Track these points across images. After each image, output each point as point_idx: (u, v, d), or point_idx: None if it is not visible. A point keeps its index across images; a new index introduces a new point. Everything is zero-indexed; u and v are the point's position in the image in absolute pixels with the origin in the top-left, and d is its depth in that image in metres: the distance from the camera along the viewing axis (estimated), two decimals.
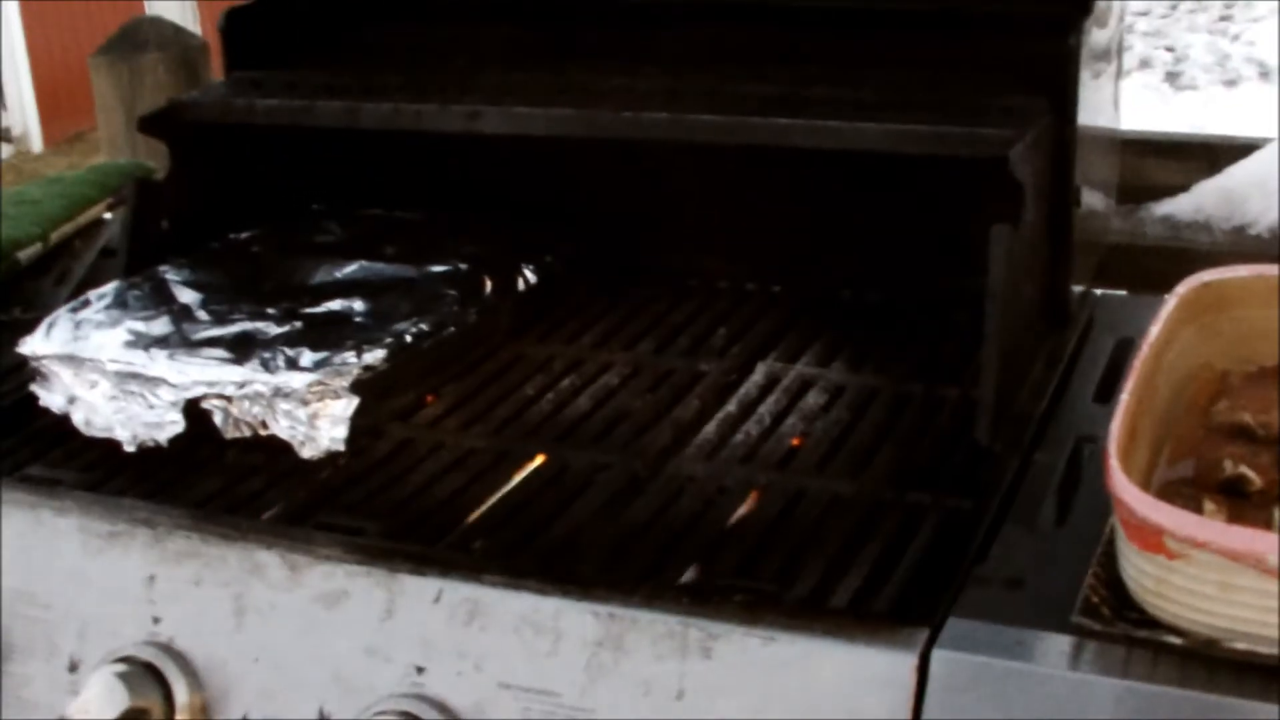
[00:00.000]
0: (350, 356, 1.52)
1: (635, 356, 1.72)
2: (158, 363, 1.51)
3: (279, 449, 1.48)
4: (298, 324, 1.62)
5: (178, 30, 3.51)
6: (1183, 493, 1.14)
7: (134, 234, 1.74)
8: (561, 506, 1.40)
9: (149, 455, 1.49)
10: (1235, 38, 10.14)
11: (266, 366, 1.51)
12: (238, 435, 1.49)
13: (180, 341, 1.57)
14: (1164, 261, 2.06)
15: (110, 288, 1.69)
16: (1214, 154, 2.17)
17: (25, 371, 1.61)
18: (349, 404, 1.48)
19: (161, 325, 1.61)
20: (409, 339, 1.59)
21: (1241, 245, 2.03)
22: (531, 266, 1.80)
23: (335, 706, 1.24)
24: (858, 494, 1.39)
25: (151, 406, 1.49)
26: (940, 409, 1.55)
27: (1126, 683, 1.05)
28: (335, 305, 1.67)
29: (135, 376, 1.51)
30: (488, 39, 1.90)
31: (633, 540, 1.34)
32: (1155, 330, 1.24)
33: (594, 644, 1.18)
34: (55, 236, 2.01)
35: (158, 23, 3.46)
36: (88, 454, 1.52)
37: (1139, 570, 1.05)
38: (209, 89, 1.95)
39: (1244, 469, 1.15)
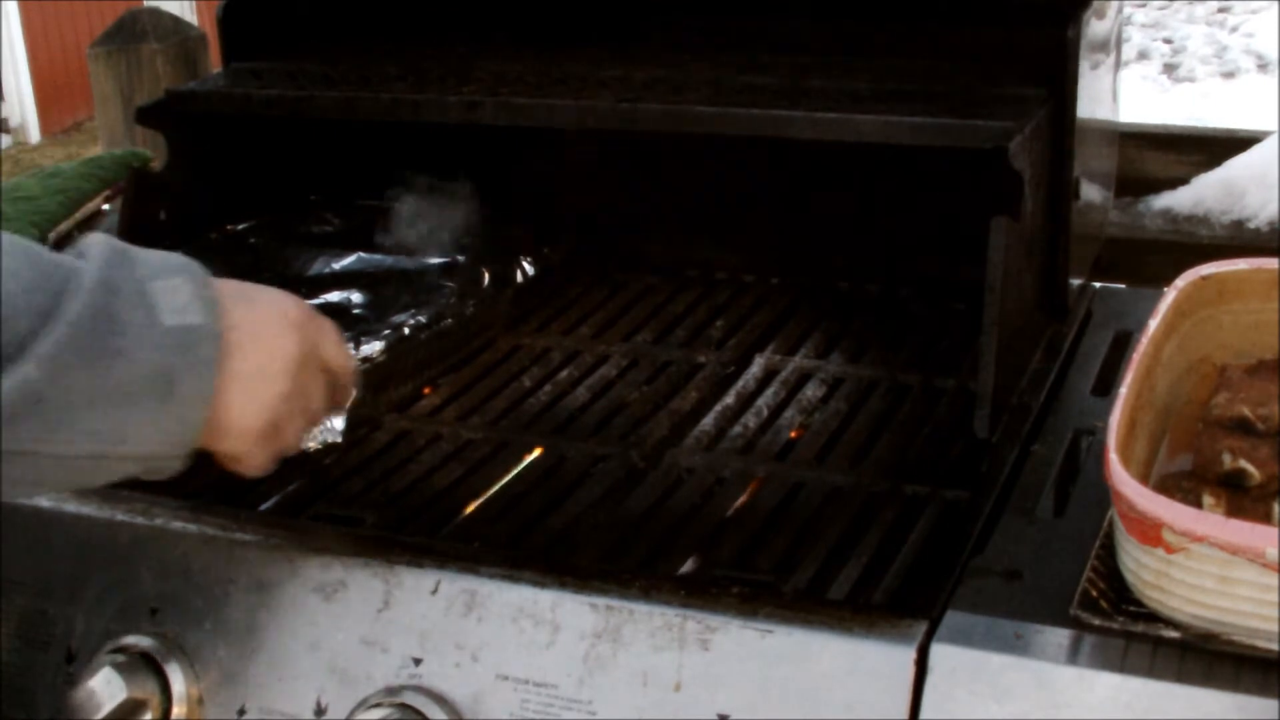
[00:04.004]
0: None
1: (633, 348, 1.72)
2: None
3: None
4: None
5: (176, 21, 3.50)
6: (1182, 486, 1.14)
7: (131, 225, 1.74)
8: (559, 498, 1.40)
9: None
10: (1233, 29, 10.14)
11: None
12: None
13: None
14: (1163, 254, 2.06)
15: None
16: (1213, 147, 2.16)
17: None
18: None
19: None
20: (407, 330, 1.59)
21: (1240, 238, 2.03)
22: (529, 258, 1.80)
23: (332, 697, 1.24)
24: (856, 485, 1.39)
25: None
26: (938, 400, 1.55)
27: (1124, 676, 1.05)
28: (333, 296, 1.67)
29: None
30: (486, 29, 1.90)
31: (630, 532, 1.34)
32: (1154, 323, 1.24)
33: (592, 635, 1.17)
34: (52, 236, 2.00)
35: (156, 13, 3.45)
36: None
37: (1138, 563, 1.05)
38: (207, 80, 1.94)
39: (1243, 462, 1.15)
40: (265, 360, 1.15)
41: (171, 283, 1.09)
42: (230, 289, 1.14)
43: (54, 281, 1.03)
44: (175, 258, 1.12)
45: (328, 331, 1.24)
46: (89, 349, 1.02)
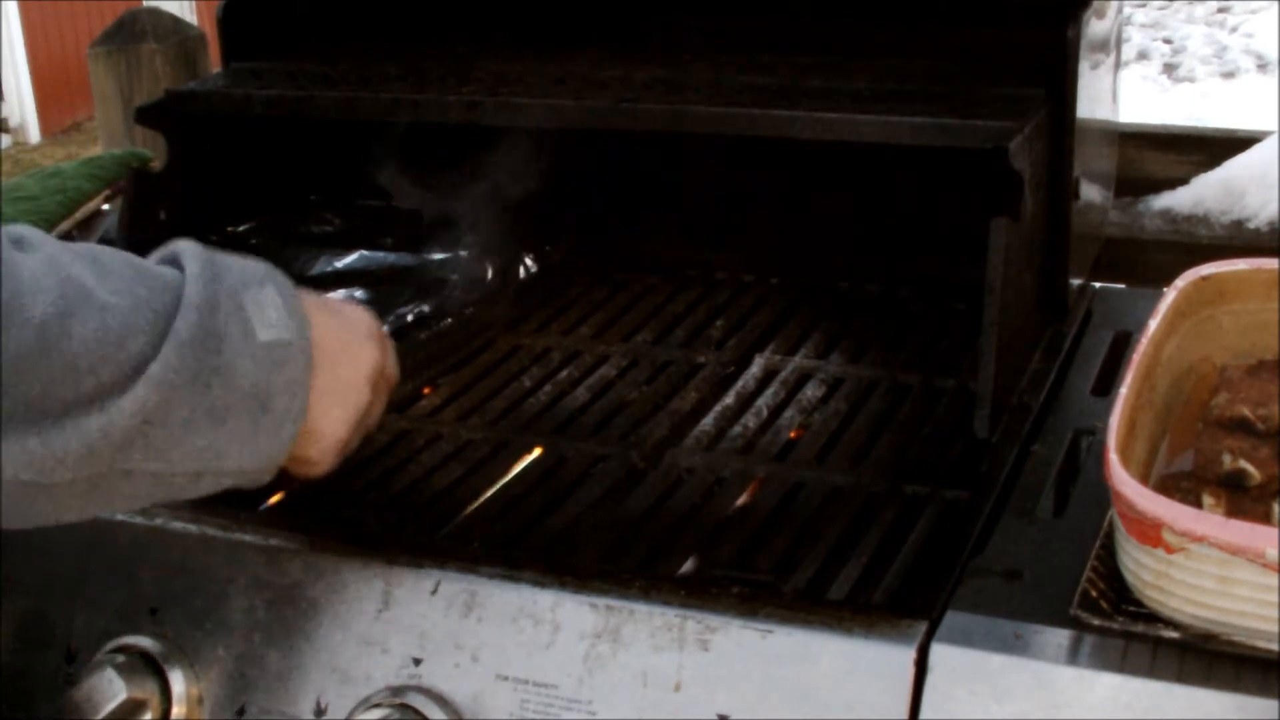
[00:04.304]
0: None
1: (633, 348, 1.72)
2: None
3: None
4: None
5: (176, 21, 3.50)
6: (1181, 486, 1.14)
7: (131, 226, 1.74)
8: (559, 498, 1.40)
9: None
10: (1233, 29, 10.15)
11: None
12: None
13: None
14: (1162, 255, 2.06)
15: None
16: (1212, 147, 2.16)
17: None
18: None
19: None
20: (410, 318, 1.59)
21: (1240, 238, 2.03)
22: (529, 258, 1.80)
23: (332, 697, 1.24)
24: (856, 486, 1.39)
25: None
26: (938, 400, 1.55)
27: (1124, 676, 1.05)
28: (335, 295, 1.67)
29: None
30: (486, 29, 1.90)
31: (630, 532, 1.34)
32: (1154, 324, 1.24)
33: (592, 635, 1.17)
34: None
35: (156, 13, 3.45)
36: None
37: (1137, 563, 1.05)
38: (207, 80, 1.94)
39: (1243, 462, 1.15)
40: (350, 373, 1.18)
41: (262, 295, 1.10)
42: (312, 299, 1.16)
43: (164, 298, 1.04)
44: (256, 266, 1.13)
45: (389, 343, 1.26)
46: (194, 368, 1.03)
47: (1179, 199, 2.12)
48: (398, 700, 1.20)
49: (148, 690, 1.27)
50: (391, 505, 1.40)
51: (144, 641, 1.29)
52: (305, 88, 1.74)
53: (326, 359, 1.15)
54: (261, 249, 1.81)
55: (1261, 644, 1.02)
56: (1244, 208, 2.06)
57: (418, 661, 1.22)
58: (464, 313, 1.66)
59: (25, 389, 0.97)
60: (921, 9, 1.70)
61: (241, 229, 1.86)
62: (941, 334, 1.69)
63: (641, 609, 1.17)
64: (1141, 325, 1.25)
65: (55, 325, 0.97)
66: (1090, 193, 1.69)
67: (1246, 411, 1.22)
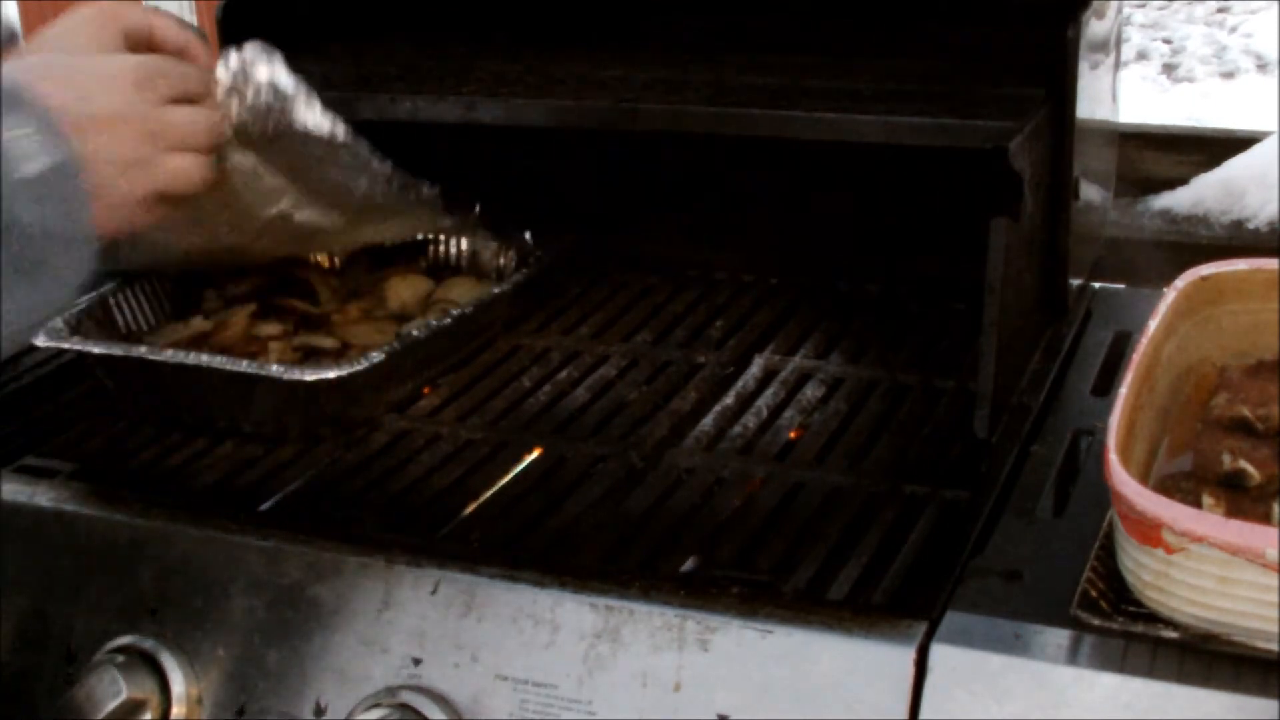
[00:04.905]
0: None
1: (633, 348, 1.72)
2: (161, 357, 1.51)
3: (276, 441, 1.48)
4: None
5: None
6: (1181, 486, 1.14)
7: None
8: (558, 498, 1.40)
9: (146, 446, 1.49)
10: (1233, 30, 10.12)
11: None
12: None
13: None
14: (1163, 254, 2.06)
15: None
16: (1212, 147, 2.16)
17: (21, 363, 1.60)
18: None
19: None
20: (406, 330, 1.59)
21: (1240, 238, 2.03)
22: (529, 257, 1.80)
23: (332, 697, 1.24)
24: (856, 486, 1.39)
25: None
26: (938, 401, 1.55)
27: (1124, 677, 1.05)
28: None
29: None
30: (485, 29, 1.90)
31: (630, 532, 1.34)
32: (1154, 324, 1.24)
33: (591, 636, 1.17)
34: None
35: None
36: (84, 445, 1.51)
37: (1137, 564, 1.05)
38: None
39: (1243, 463, 1.15)
40: (119, 146, 1.15)
41: (15, 122, 1.04)
42: (57, 92, 1.10)
43: None
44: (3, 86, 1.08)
45: (158, 26, 1.26)
46: None
47: (1179, 199, 2.11)
48: (397, 700, 1.20)
49: (148, 690, 1.27)
50: (391, 505, 1.40)
51: (144, 642, 1.29)
52: None
53: (92, 143, 1.11)
54: None
55: (1261, 644, 1.02)
56: (1244, 208, 2.05)
57: (417, 661, 1.22)
58: (463, 313, 1.66)
59: None
60: (921, 9, 1.70)
61: None
62: (941, 334, 1.69)
63: (641, 609, 1.17)
64: (1141, 325, 1.25)
65: None
66: (1090, 193, 1.69)
67: (1246, 412, 1.22)
